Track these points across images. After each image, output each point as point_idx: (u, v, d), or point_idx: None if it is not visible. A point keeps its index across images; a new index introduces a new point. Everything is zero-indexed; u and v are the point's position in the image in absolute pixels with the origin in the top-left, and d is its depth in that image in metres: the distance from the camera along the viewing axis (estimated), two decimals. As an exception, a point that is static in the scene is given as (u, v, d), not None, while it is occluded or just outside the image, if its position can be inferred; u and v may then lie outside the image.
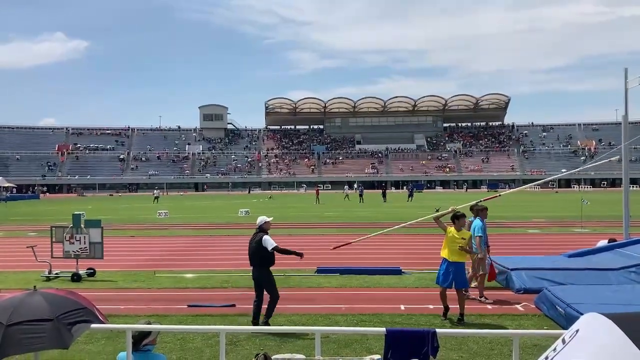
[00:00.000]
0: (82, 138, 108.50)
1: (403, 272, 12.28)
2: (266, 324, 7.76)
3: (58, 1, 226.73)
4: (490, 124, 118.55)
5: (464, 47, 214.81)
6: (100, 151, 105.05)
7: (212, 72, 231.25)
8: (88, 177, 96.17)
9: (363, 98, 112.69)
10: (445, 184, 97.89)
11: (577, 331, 2.61)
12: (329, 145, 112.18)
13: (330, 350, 6.74)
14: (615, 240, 13.17)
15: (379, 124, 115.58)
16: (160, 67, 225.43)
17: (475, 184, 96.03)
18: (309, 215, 31.98)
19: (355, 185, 66.71)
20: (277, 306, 8.01)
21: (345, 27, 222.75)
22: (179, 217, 31.85)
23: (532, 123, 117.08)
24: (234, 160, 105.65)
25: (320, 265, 12.71)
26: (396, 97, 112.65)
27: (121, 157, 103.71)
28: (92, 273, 12.41)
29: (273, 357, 4.28)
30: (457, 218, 8.64)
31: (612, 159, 13.71)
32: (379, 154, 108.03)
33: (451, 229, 8.55)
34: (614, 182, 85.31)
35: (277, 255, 7.99)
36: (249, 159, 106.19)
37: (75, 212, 12.80)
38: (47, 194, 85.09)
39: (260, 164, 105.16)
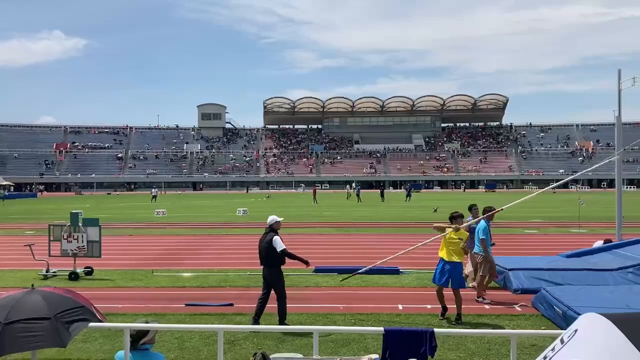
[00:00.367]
0: (80, 136, 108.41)
1: (401, 271, 12.31)
2: (284, 324, 7.72)
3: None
4: (489, 124, 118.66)
5: (464, 48, 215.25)
6: (99, 150, 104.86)
7: (211, 71, 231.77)
8: (86, 175, 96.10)
9: (361, 98, 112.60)
10: (443, 184, 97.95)
11: (575, 331, 2.62)
12: (327, 145, 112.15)
13: (329, 350, 6.75)
14: (610, 241, 13.21)
15: (377, 124, 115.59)
16: (159, 65, 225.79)
17: (473, 184, 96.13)
18: (307, 215, 31.98)
19: (353, 185, 66.72)
20: (273, 305, 8.00)
21: (345, 27, 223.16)
22: (177, 216, 31.84)
23: (530, 123, 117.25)
24: (232, 160, 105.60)
25: (318, 265, 12.70)
26: (394, 97, 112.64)
27: (119, 155, 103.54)
28: (89, 272, 12.40)
29: (271, 356, 4.28)
30: (454, 218, 8.68)
31: (612, 158, 13.73)
32: (377, 154, 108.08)
33: (448, 229, 8.58)
34: (613, 183, 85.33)
35: None
36: (247, 158, 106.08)
37: (73, 211, 12.78)
38: (45, 192, 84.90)
39: (258, 163, 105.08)
